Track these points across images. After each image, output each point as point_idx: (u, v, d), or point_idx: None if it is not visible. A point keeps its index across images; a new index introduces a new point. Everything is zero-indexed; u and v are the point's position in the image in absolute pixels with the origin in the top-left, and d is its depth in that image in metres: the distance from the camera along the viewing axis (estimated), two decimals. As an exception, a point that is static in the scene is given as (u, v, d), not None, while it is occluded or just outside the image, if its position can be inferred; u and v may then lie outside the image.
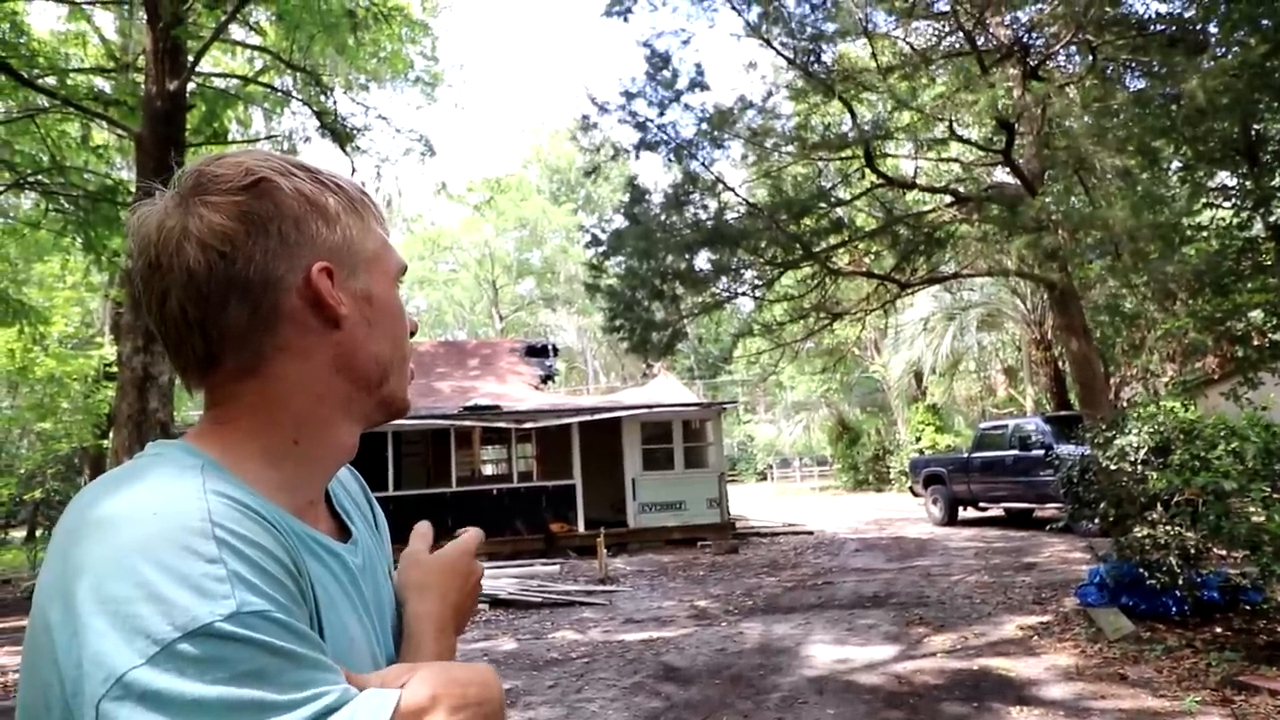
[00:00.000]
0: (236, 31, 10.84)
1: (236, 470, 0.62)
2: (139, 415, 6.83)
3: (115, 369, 8.90)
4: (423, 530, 0.86)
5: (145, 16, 7.86)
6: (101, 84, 10.74)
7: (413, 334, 0.77)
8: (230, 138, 11.68)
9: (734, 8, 9.56)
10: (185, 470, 0.59)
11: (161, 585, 0.50)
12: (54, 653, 0.51)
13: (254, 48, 11.74)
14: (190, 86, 8.54)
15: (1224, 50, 8.93)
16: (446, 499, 14.18)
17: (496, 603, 9.18)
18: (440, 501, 14.11)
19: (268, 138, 14.21)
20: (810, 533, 15.30)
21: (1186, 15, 9.52)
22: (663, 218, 10.43)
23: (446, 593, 0.78)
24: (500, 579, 10.44)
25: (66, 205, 9.85)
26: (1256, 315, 10.77)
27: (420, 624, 0.74)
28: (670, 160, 10.49)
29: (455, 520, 14.07)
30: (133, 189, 8.38)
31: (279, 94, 11.68)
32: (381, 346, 0.71)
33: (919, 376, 25.43)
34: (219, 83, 11.09)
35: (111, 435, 8.44)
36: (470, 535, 0.86)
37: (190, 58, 8.02)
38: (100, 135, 11.99)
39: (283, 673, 0.51)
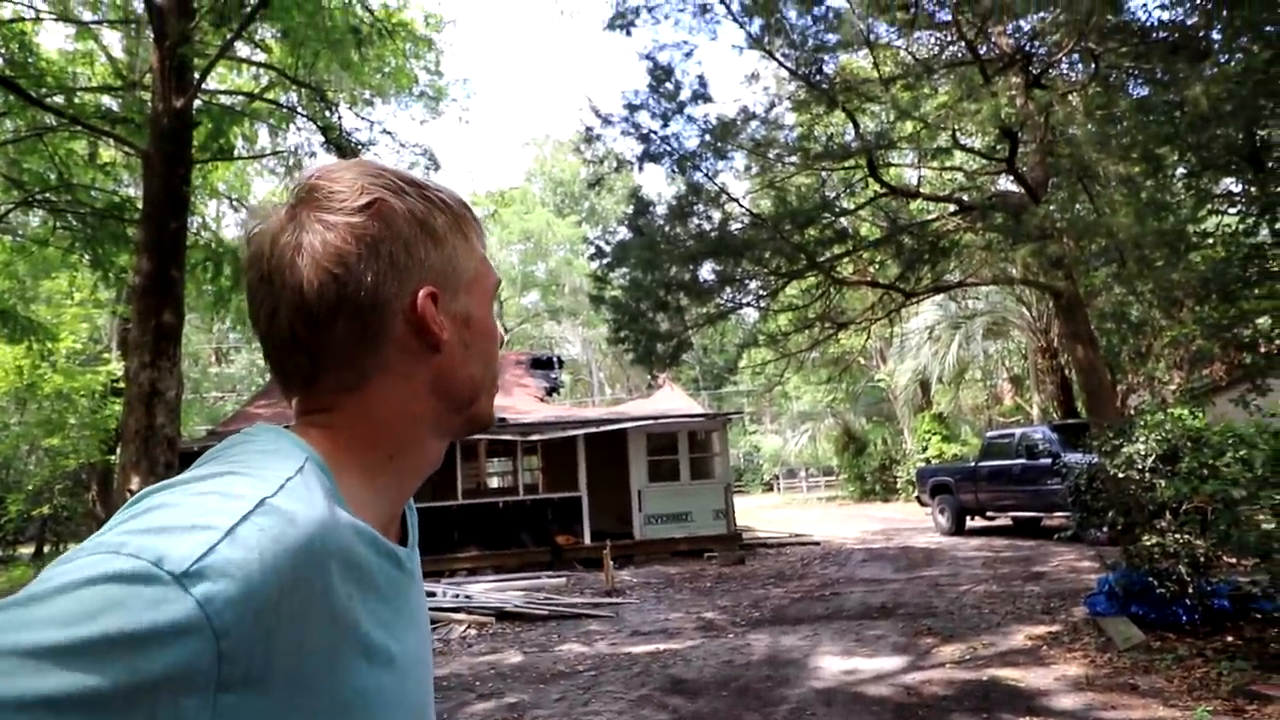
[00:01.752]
0: (242, 49, 10.94)
1: (337, 476, 0.63)
2: (146, 431, 6.84)
3: (122, 385, 8.95)
4: None
5: (152, 35, 7.93)
6: (109, 102, 10.84)
7: (501, 345, 0.78)
8: (236, 153, 11.76)
9: (736, 20, 9.61)
10: (286, 461, 0.59)
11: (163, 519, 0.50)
12: None
13: (259, 64, 11.84)
14: (196, 103, 8.60)
15: (1226, 57, 8.94)
16: (453, 512, 14.17)
17: (503, 615, 9.16)
18: (446, 515, 14.10)
19: (273, 153, 14.31)
20: (817, 543, 15.24)
21: (1188, 22, 9.54)
22: (667, 229, 10.46)
23: None
24: (507, 591, 10.42)
25: (74, 222, 9.93)
26: (1263, 322, 10.73)
27: None
28: (674, 172, 10.53)
29: (462, 534, 14.06)
30: (139, 206, 8.43)
31: (284, 110, 11.76)
32: (475, 368, 0.72)
33: (925, 385, 25.36)
34: (225, 99, 11.18)
35: (119, 451, 8.46)
36: None
37: (196, 75, 8.09)
38: (107, 153, 12.10)
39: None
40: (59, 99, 9.31)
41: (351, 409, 0.67)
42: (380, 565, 0.63)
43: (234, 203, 16.16)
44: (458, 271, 0.71)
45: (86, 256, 10.14)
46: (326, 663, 0.55)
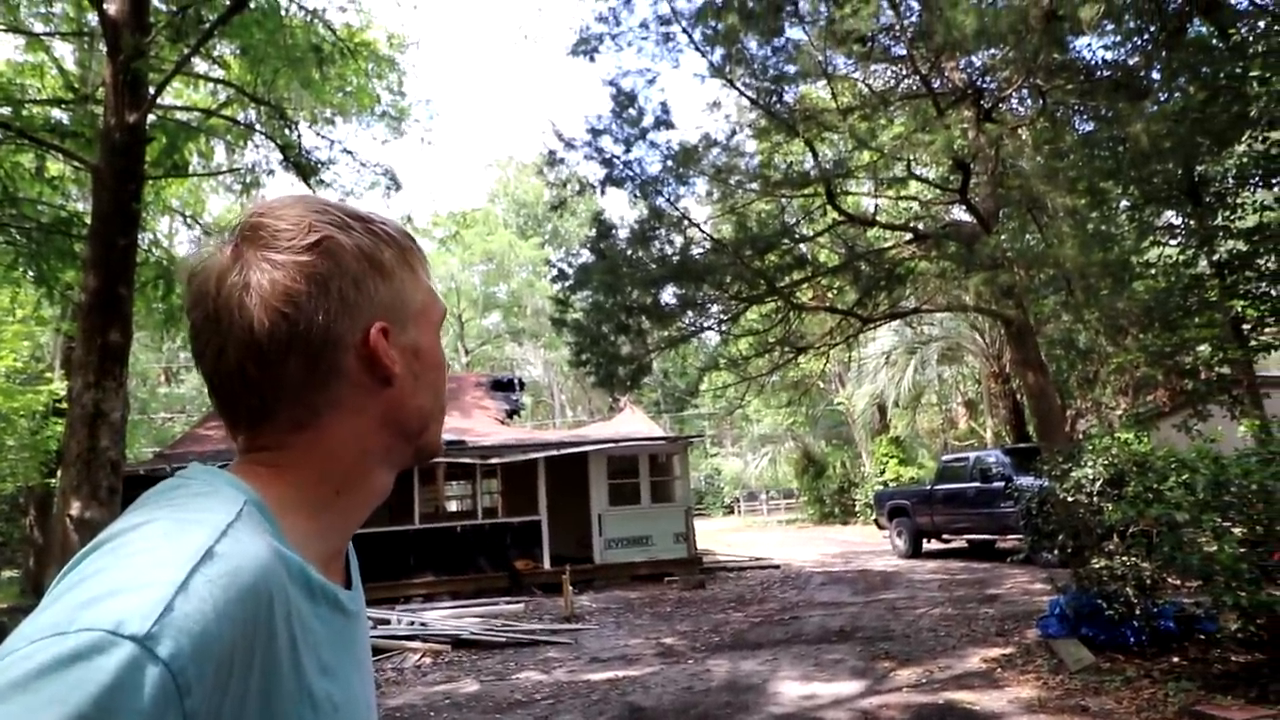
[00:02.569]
0: (200, 65, 10.77)
1: (279, 516, 0.62)
2: (88, 454, 6.60)
3: (65, 405, 8.65)
4: None
5: (105, 49, 7.77)
6: (59, 115, 10.57)
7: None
8: (191, 169, 11.54)
9: (698, 49, 9.78)
10: (226, 506, 0.58)
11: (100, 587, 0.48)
12: None
13: (217, 81, 11.66)
14: (151, 119, 8.43)
15: (1166, 95, 9.35)
16: (409, 537, 13.90)
17: (459, 643, 8.98)
18: (403, 539, 13.83)
19: (230, 170, 14.07)
20: (777, 567, 15.27)
21: (1130, 62, 9.96)
22: (629, 252, 10.52)
23: None
24: (464, 618, 10.23)
25: (18, 237, 9.61)
26: (1204, 350, 11.12)
27: None
28: (636, 196, 10.62)
29: (418, 559, 13.79)
30: (88, 221, 8.21)
31: (242, 127, 11.58)
32: (425, 398, 0.72)
33: (882, 409, 25.74)
34: (181, 115, 10.98)
35: (59, 474, 8.16)
36: None
37: (151, 90, 7.94)
38: (56, 166, 11.77)
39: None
40: (6, 110, 9.05)
41: (302, 446, 0.66)
42: (322, 610, 0.63)
43: (187, 219, 15.82)
44: (406, 304, 0.71)
45: (30, 272, 9.82)
46: (269, 710, 0.54)
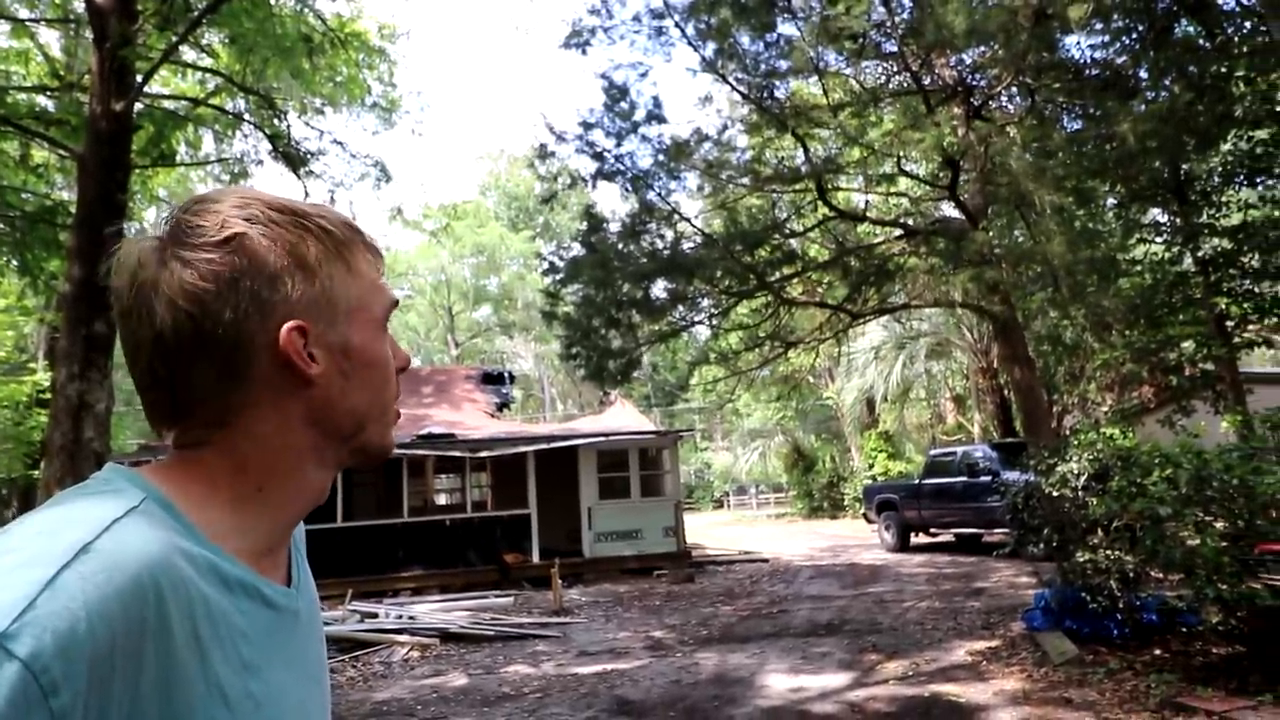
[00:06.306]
0: (187, 53, 10.67)
1: (192, 511, 0.61)
2: (72, 445, 6.55)
3: (48, 396, 8.57)
4: None
5: (92, 36, 7.69)
6: (44, 102, 10.46)
7: (404, 369, 0.76)
8: (178, 159, 11.44)
9: (690, 43, 9.76)
10: (117, 502, 0.58)
11: None
12: None
13: (205, 69, 11.55)
14: (138, 107, 8.36)
15: (1153, 94, 9.41)
16: (397, 530, 13.88)
17: (448, 636, 8.98)
18: (391, 533, 13.80)
19: (218, 160, 13.96)
20: (766, 560, 15.34)
21: (1118, 61, 10.01)
22: (620, 246, 10.50)
23: None
24: (452, 612, 10.23)
25: (2, 226, 9.52)
26: (1188, 346, 11.23)
27: None
28: (627, 190, 10.60)
29: (406, 552, 13.77)
30: (73, 210, 8.13)
31: (230, 116, 11.49)
32: (359, 398, 0.70)
33: (871, 404, 25.85)
34: (168, 104, 10.88)
35: (42, 465, 8.09)
36: None
37: (138, 78, 7.86)
38: (40, 154, 11.64)
39: None
40: (-11, 98, 8.94)
41: (221, 443, 0.65)
42: (244, 604, 0.62)
43: (175, 210, 15.72)
44: (333, 301, 0.68)
45: (14, 261, 9.73)
46: (170, 708, 0.54)
